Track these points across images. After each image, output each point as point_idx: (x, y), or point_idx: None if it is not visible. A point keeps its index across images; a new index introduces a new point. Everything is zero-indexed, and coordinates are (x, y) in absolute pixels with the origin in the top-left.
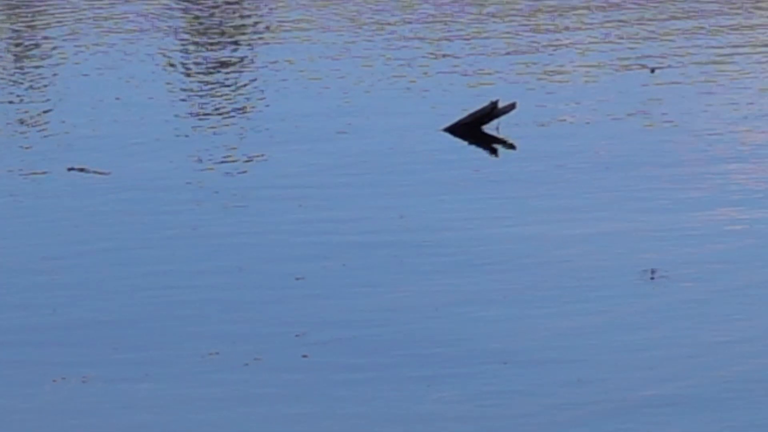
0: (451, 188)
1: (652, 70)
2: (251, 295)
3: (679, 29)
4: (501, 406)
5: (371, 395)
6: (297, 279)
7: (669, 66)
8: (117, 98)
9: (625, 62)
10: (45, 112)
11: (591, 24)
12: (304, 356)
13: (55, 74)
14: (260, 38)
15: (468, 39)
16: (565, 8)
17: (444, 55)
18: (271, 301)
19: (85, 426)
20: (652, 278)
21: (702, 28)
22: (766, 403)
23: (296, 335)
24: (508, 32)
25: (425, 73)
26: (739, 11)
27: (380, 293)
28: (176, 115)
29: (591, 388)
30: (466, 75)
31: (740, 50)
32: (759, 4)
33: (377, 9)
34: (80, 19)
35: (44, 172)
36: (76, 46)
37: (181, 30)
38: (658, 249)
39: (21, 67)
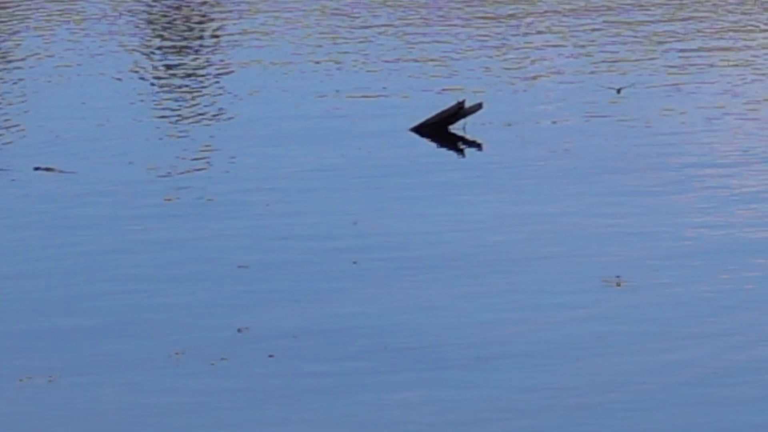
0: (416, 190)
1: (619, 90)
2: (216, 296)
3: (649, 33)
4: (466, 409)
5: (338, 398)
6: (240, 267)
7: (634, 85)
8: (83, 102)
9: (594, 65)
10: (12, 112)
11: (560, 27)
12: (270, 356)
13: (21, 75)
14: (230, 41)
15: (436, 40)
16: (535, 12)
17: (412, 57)
18: (235, 303)
19: (51, 425)
20: (618, 283)
21: (672, 31)
22: (722, 405)
23: (238, 329)
24: (476, 34)
25: (393, 72)
26: (710, 16)
27: (345, 296)
28: (146, 117)
29: (558, 392)
30: (434, 76)
31: (712, 54)
32: (728, 8)
33: (347, 12)
34: (48, 18)
35: (10, 171)
36: (44, 44)
37: (151, 33)
38: (624, 253)
39: None
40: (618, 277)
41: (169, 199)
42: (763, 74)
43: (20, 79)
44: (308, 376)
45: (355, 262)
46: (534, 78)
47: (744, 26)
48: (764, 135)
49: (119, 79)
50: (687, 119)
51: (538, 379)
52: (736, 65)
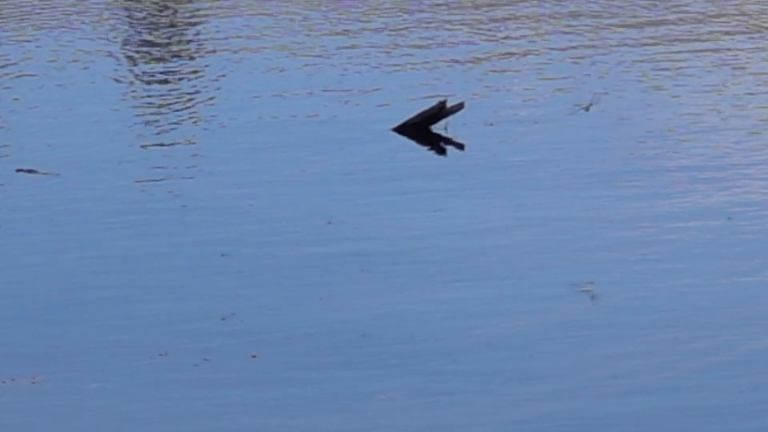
0: (397, 190)
1: (587, 108)
2: (198, 298)
3: (631, 37)
4: (447, 414)
5: (322, 403)
6: (221, 257)
7: (596, 96)
8: (67, 104)
9: (577, 66)
10: None
11: (543, 30)
12: (253, 356)
13: (5, 76)
14: (213, 48)
15: (419, 40)
16: (518, 14)
17: (395, 57)
18: (218, 303)
19: (35, 428)
20: (589, 289)
21: (656, 35)
22: (693, 411)
23: (222, 318)
24: (458, 35)
25: (375, 72)
26: (694, 20)
27: (326, 298)
28: (131, 120)
29: (532, 396)
30: (415, 75)
31: (695, 56)
32: (711, 11)
33: (327, 15)
34: (33, 21)
35: None
36: (30, 47)
37: (136, 35)
38: (598, 259)
39: None
40: (589, 284)
41: (151, 202)
42: (746, 74)
43: (4, 81)
44: (291, 377)
45: (331, 268)
46: (516, 78)
47: (729, 29)
48: (745, 138)
49: (106, 82)
50: (669, 121)
51: (517, 380)
52: (720, 66)
